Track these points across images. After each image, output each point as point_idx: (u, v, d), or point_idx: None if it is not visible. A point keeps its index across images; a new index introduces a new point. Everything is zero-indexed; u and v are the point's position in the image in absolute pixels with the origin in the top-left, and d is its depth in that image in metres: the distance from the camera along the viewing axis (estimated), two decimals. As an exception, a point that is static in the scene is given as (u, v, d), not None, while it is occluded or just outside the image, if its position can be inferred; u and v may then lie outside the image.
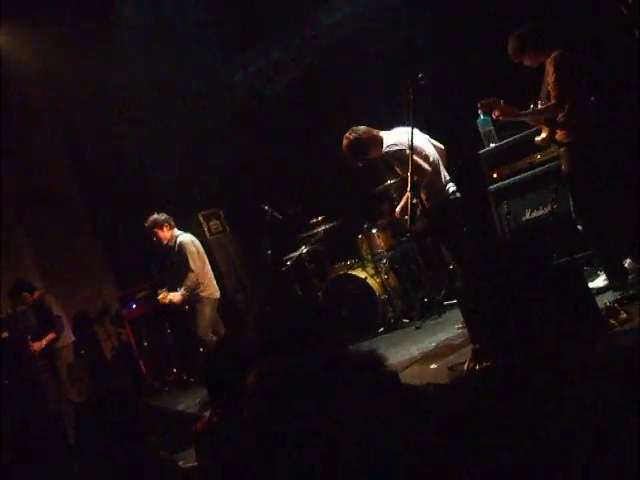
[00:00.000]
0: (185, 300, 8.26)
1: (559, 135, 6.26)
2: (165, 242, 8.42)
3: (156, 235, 8.41)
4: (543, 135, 6.41)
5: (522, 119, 6.44)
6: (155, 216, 8.42)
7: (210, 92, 11.17)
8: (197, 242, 8.56)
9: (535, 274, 2.14)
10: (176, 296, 8.20)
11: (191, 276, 8.21)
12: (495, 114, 6.26)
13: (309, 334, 2.83)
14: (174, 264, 8.39)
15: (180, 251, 8.29)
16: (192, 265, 8.23)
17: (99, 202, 11.80)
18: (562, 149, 6.33)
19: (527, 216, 7.55)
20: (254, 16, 10.33)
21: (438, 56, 8.62)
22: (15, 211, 11.33)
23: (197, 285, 8.26)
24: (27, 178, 11.38)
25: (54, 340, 9.00)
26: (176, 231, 8.46)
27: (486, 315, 2.11)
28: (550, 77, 6.12)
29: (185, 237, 8.45)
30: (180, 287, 8.21)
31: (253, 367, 2.60)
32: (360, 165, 6.98)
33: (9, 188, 11.07)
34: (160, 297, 8.25)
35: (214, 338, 8.20)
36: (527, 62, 6.38)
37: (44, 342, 8.91)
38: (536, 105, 6.34)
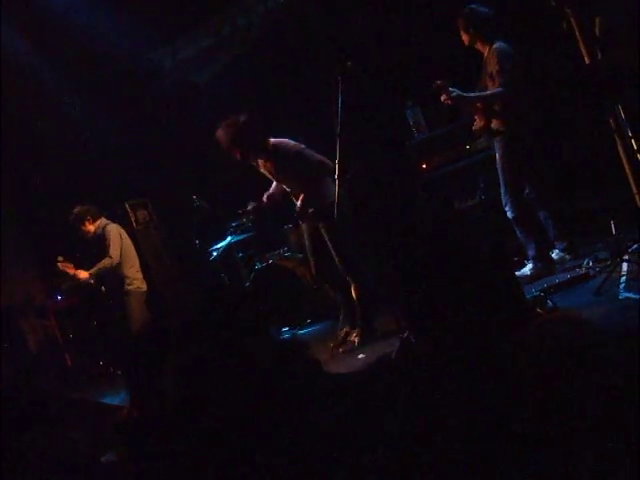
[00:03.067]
0: (96, 283, 8.24)
1: (494, 123, 6.39)
2: (90, 235, 8.28)
3: (80, 229, 8.28)
4: (479, 123, 6.51)
5: (467, 102, 6.48)
6: (77, 209, 8.27)
7: (138, 78, 10.97)
8: (124, 234, 8.41)
9: (464, 261, 2.11)
10: (82, 273, 8.09)
11: (106, 260, 8.09)
12: (443, 97, 6.28)
13: (230, 322, 2.76)
14: (99, 252, 8.25)
15: (104, 236, 8.16)
16: (111, 251, 8.10)
17: (27, 192, 11.52)
18: (496, 138, 6.47)
19: (456, 206, 7.59)
20: (185, 2, 10.18)
21: (368, 44, 8.61)
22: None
23: (108, 270, 8.14)
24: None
25: None
26: (103, 221, 8.30)
27: (413, 300, 2.09)
28: (493, 67, 6.30)
29: (113, 226, 8.32)
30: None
31: (171, 358, 2.55)
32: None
33: None
34: (64, 267, 8.13)
35: None
36: (464, 39, 6.57)
37: None
38: None
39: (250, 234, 9.24)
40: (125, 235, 8.42)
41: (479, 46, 6.53)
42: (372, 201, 8.31)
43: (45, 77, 10.38)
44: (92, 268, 8.08)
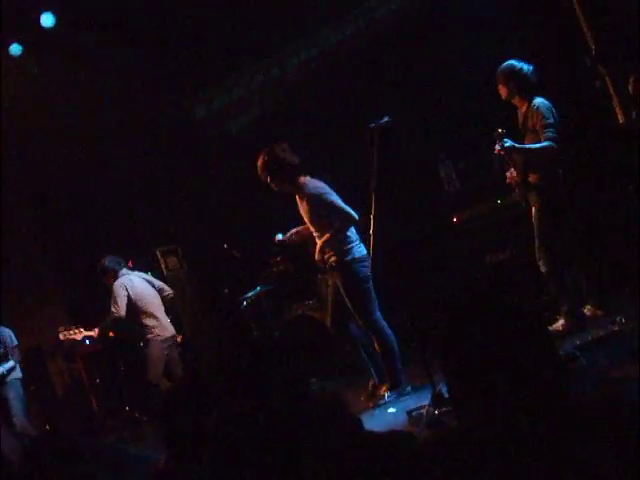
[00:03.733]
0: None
1: (532, 177, 6.41)
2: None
3: (106, 281, 8.47)
4: (514, 176, 6.55)
5: (518, 154, 6.49)
6: (103, 261, 8.48)
7: (172, 126, 11.11)
8: (137, 283, 8.48)
9: (500, 323, 2.11)
10: (91, 332, 8.40)
11: (109, 317, 8.32)
12: (497, 146, 6.31)
13: (267, 377, 2.78)
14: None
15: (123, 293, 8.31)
16: (112, 306, 8.24)
17: (59, 238, 11.63)
18: (532, 192, 6.49)
19: (487, 260, 7.57)
20: (219, 53, 10.33)
21: (401, 99, 8.68)
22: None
23: (113, 325, 8.40)
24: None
25: (12, 369, 8.78)
26: (120, 273, 8.43)
27: (450, 365, 2.08)
28: (537, 122, 6.34)
29: (120, 280, 8.42)
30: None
31: (213, 412, 2.55)
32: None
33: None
34: (63, 334, 8.27)
35: (166, 382, 8.11)
36: (502, 93, 6.59)
37: (5, 369, 8.69)
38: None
39: (280, 284, 9.24)
40: (140, 284, 8.49)
41: (516, 101, 6.57)
42: (402, 255, 8.30)
43: (78, 124, 10.47)
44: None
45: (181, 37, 10.37)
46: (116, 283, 8.33)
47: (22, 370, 9.05)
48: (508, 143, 6.24)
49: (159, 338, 8.33)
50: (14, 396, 8.78)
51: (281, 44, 10.54)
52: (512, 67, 6.49)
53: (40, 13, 9.87)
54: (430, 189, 8.43)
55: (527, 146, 6.42)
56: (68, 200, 11.20)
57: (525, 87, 6.49)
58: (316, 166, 7.08)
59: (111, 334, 8.45)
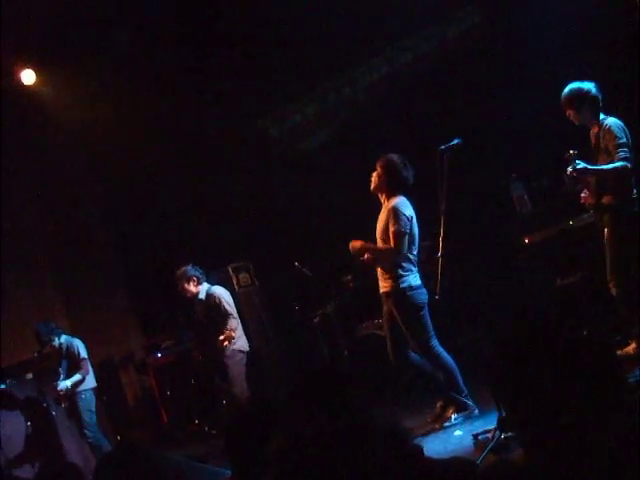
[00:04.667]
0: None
1: (606, 199, 6.33)
2: (188, 295, 8.49)
3: (182, 287, 8.49)
4: (589, 197, 6.49)
5: (591, 175, 6.44)
6: (186, 268, 8.51)
7: (245, 145, 11.24)
8: (229, 296, 8.58)
9: (566, 356, 2.09)
10: (229, 334, 8.17)
11: (233, 321, 8.26)
12: (569, 170, 6.26)
13: (333, 401, 2.80)
14: (206, 318, 8.40)
15: (213, 302, 8.35)
16: (230, 310, 8.31)
17: (131, 250, 11.84)
18: (606, 213, 6.42)
19: (558, 282, 7.48)
20: (292, 72, 10.42)
21: (473, 119, 8.65)
22: (46, 253, 11.42)
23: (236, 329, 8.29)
24: (60, 222, 11.48)
25: (80, 382, 8.94)
26: (205, 285, 8.49)
27: (516, 403, 2.08)
28: (609, 142, 6.28)
29: (218, 288, 8.52)
30: (226, 330, 8.19)
31: (276, 433, 2.57)
32: None
33: (42, 231, 11.23)
34: (222, 338, 8.21)
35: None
36: (573, 118, 6.52)
37: (69, 383, 8.85)
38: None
39: (350, 302, 9.26)
40: (229, 296, 8.61)
41: (587, 122, 6.52)
42: (471, 276, 8.28)
43: (153, 142, 10.64)
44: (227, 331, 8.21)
45: (255, 56, 10.50)
46: (218, 290, 8.46)
47: (96, 380, 9.23)
48: (580, 165, 6.17)
49: (244, 350, 8.40)
50: (83, 407, 8.93)
51: (353, 63, 10.59)
52: (580, 90, 6.41)
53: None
54: (502, 210, 8.37)
55: (600, 167, 6.35)
56: (140, 215, 11.41)
57: (595, 108, 6.43)
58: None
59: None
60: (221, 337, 8.13)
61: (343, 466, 2.22)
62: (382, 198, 6.76)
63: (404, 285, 6.51)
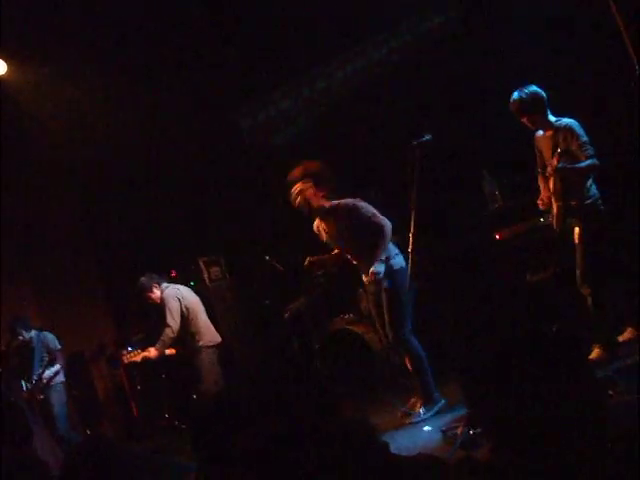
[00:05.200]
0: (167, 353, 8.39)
1: (574, 200, 6.39)
2: (159, 301, 8.44)
3: (148, 298, 8.47)
4: (544, 199, 6.52)
5: (570, 174, 6.40)
6: (142, 280, 8.48)
7: (217, 138, 11.19)
8: (185, 293, 8.55)
9: (538, 352, 2.10)
10: (152, 352, 8.28)
11: (167, 331, 8.26)
12: (549, 169, 6.32)
13: (304, 400, 2.79)
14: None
15: (163, 305, 8.34)
16: (169, 320, 8.26)
17: (104, 245, 11.78)
18: (575, 215, 6.44)
19: (528, 278, 7.51)
20: (266, 64, 10.40)
21: (446, 115, 8.67)
22: (17, 246, 11.32)
23: (172, 340, 8.30)
24: (33, 216, 11.39)
25: (57, 373, 8.90)
26: (164, 285, 8.47)
27: (485, 401, 2.08)
28: (570, 142, 6.25)
29: (169, 291, 8.47)
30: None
31: (242, 431, 2.56)
32: None
33: (16, 224, 11.12)
34: (126, 357, 8.29)
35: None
36: (527, 122, 6.51)
37: (52, 372, 8.81)
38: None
39: (321, 297, 9.27)
40: (185, 293, 8.55)
41: (542, 126, 6.49)
42: (443, 272, 8.29)
43: (124, 134, 10.56)
44: (157, 344, 8.30)
45: (229, 49, 10.47)
46: (167, 294, 8.38)
47: (65, 375, 9.17)
48: (560, 164, 6.20)
49: (211, 344, 8.38)
50: (57, 400, 8.90)
51: (327, 57, 10.58)
52: (536, 94, 6.37)
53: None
54: (473, 206, 8.40)
55: (577, 166, 6.34)
56: (115, 209, 11.34)
57: (547, 110, 6.42)
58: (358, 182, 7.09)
59: (168, 351, 8.44)
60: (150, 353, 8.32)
61: (309, 463, 2.21)
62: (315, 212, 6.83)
63: (396, 267, 6.56)
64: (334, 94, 10.73)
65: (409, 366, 6.63)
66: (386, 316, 6.65)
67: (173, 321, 8.25)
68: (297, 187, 6.66)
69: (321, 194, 6.63)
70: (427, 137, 5.91)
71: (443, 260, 8.38)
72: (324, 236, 6.92)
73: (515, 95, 6.39)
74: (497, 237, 7.91)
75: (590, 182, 6.36)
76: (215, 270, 10.68)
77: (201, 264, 10.45)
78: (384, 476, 2.30)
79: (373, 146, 9.45)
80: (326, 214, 6.69)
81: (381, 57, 10.22)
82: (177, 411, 10.22)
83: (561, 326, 6.31)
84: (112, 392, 11.39)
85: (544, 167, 6.47)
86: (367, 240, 6.54)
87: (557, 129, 6.36)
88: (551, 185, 6.39)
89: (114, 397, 11.35)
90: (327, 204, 6.67)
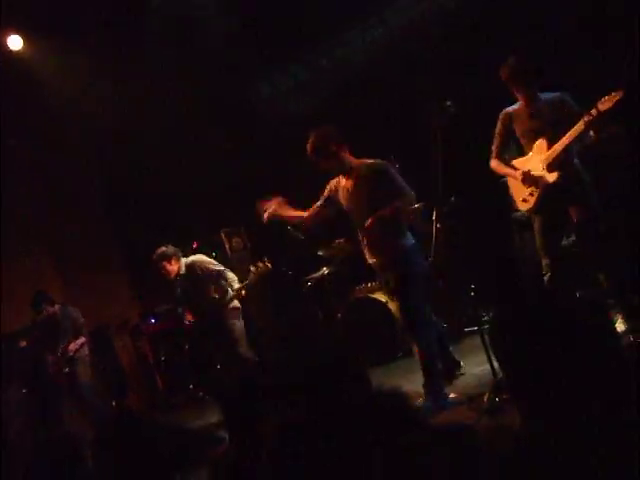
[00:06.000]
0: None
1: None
2: (171, 275, 8.33)
3: (164, 268, 8.30)
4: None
5: None
6: (163, 249, 8.33)
7: (236, 107, 11.16)
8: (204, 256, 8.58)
9: (566, 330, 2.08)
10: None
11: (229, 274, 8.27)
12: None
13: (329, 377, 2.79)
14: (189, 290, 8.36)
15: (198, 268, 8.29)
16: (218, 266, 8.30)
17: (127, 216, 11.80)
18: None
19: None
20: (285, 34, 10.33)
21: (463, 86, 8.57)
22: (41, 220, 11.37)
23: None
24: (56, 189, 11.43)
25: (83, 345, 8.97)
26: (182, 260, 8.40)
27: (517, 372, 2.08)
28: (571, 108, 5.97)
29: (194, 256, 8.51)
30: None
31: (272, 413, 2.57)
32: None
33: (32, 197, 11.17)
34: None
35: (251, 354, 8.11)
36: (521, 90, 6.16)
37: (78, 345, 8.88)
38: None
39: (343, 266, 9.26)
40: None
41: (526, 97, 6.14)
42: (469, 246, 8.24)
43: (141, 105, 10.54)
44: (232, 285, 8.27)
45: (248, 18, 10.42)
46: (195, 258, 8.41)
47: (89, 348, 9.24)
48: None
49: (238, 306, 8.35)
50: (83, 372, 8.97)
51: (346, 26, 10.50)
52: (524, 61, 6.03)
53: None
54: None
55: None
56: (133, 183, 11.36)
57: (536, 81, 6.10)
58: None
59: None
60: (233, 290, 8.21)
61: (340, 434, 2.21)
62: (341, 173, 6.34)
63: (409, 245, 6.19)
64: (353, 63, 10.65)
65: (418, 358, 6.24)
66: (399, 305, 6.41)
67: (221, 266, 8.32)
68: (326, 143, 6.22)
69: (347, 153, 6.25)
70: (449, 103, 5.78)
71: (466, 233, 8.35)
72: (343, 199, 6.40)
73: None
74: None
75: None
76: (237, 241, 10.70)
77: (222, 235, 10.46)
78: (415, 443, 2.29)
79: (392, 115, 9.39)
80: (352, 171, 6.22)
81: (401, 25, 10.11)
82: (201, 382, 10.29)
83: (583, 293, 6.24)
84: (136, 364, 11.47)
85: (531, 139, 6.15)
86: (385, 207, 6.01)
87: (553, 99, 6.09)
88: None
89: (138, 369, 11.43)
90: (355, 161, 6.27)
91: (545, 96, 6.11)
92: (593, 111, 5.66)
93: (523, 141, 6.21)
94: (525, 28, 8.28)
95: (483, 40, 8.70)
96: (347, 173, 6.26)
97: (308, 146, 6.28)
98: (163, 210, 10.92)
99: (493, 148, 6.31)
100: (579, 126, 5.78)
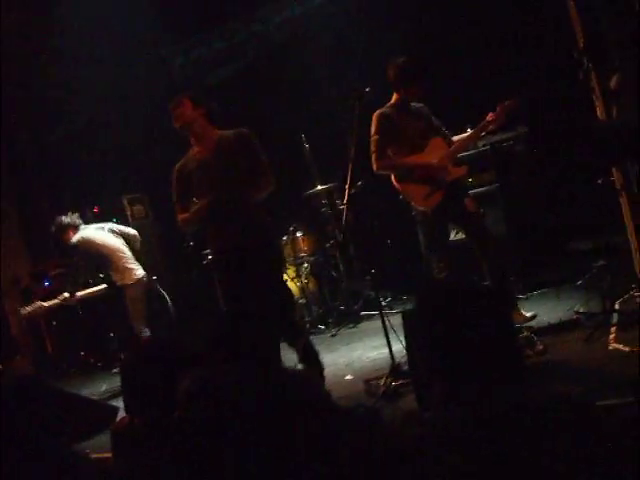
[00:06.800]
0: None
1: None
2: (68, 243, 8.22)
3: (62, 239, 8.22)
4: None
5: None
6: (60, 219, 8.19)
7: (147, 72, 10.98)
8: (97, 234, 8.29)
9: (469, 313, 2.16)
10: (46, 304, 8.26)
11: (119, 256, 8.15)
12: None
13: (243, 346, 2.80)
14: (85, 262, 8.34)
15: (84, 248, 8.16)
16: (104, 249, 8.14)
17: (23, 173, 11.49)
18: None
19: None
20: (202, 3, 10.22)
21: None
22: None
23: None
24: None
25: None
26: (81, 229, 8.23)
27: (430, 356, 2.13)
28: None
29: (86, 232, 8.24)
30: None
31: (187, 374, 2.55)
32: None
33: None
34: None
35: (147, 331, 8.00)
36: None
37: None
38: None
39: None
40: (101, 235, 8.30)
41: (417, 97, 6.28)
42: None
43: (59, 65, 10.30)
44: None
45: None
46: (86, 234, 8.18)
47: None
48: None
49: (132, 279, 8.21)
50: None
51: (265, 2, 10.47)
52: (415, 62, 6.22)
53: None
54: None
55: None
56: (36, 142, 11.09)
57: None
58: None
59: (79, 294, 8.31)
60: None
61: (250, 409, 2.22)
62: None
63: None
64: (270, 38, 10.61)
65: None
66: None
67: (108, 247, 8.16)
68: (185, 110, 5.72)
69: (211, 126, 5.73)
70: (367, 89, 5.81)
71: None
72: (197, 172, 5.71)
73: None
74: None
75: None
76: (138, 208, 10.54)
77: (125, 202, 10.30)
78: (324, 425, 2.31)
79: (309, 94, 9.40)
80: (213, 143, 5.69)
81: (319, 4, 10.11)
82: (92, 349, 10.14)
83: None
84: (26, 327, 11.19)
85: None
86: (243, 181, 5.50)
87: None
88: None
89: (28, 332, 11.16)
90: (218, 132, 5.76)
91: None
92: (489, 117, 6.06)
93: (404, 142, 6.14)
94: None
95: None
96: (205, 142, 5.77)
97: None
98: (65, 171, 10.67)
99: (374, 149, 6.12)
100: (482, 126, 6.15)
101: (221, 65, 11.01)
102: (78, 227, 8.20)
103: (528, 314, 6.12)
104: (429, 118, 6.26)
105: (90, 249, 8.14)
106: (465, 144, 6.35)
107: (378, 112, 6.16)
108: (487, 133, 6.78)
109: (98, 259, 8.19)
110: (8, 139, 11.42)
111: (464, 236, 6.66)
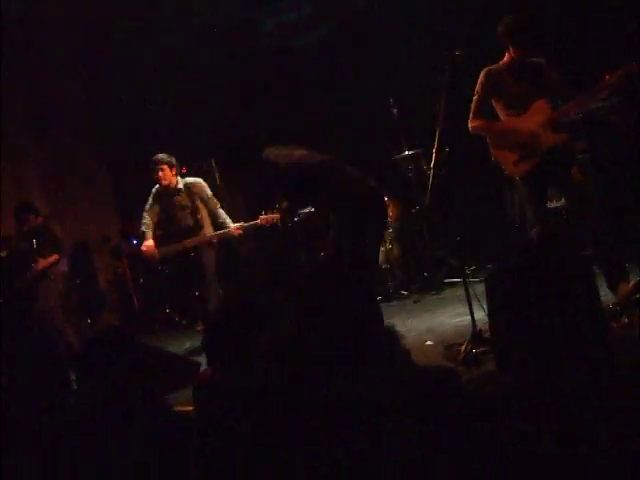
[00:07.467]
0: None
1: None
2: (165, 182, 8.22)
3: (163, 172, 8.17)
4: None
5: None
6: (168, 155, 8.24)
7: (235, 37, 11.02)
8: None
9: (555, 287, 2.12)
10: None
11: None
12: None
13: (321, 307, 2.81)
14: (184, 208, 8.30)
15: (197, 189, 8.33)
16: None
17: (114, 134, 11.68)
18: None
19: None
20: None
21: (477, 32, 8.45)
22: (26, 131, 11.24)
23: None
24: (42, 101, 11.29)
25: (56, 262, 8.83)
26: (180, 178, 8.33)
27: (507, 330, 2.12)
28: (555, 76, 5.86)
29: (195, 179, 8.40)
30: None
31: (267, 330, 2.57)
32: None
33: (17, 109, 11.02)
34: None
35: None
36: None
37: (49, 261, 8.74)
38: None
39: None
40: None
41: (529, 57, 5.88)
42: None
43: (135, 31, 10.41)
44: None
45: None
46: (197, 179, 8.40)
47: (67, 264, 9.13)
48: None
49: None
50: (54, 290, 8.82)
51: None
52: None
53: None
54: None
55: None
56: (120, 103, 11.24)
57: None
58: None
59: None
60: (235, 225, 8.18)
61: (334, 364, 2.22)
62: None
63: None
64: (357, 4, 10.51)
65: None
66: None
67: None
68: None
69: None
70: (458, 52, 5.68)
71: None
72: None
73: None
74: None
75: None
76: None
77: (213, 163, 10.38)
78: (407, 383, 2.32)
79: (397, 58, 9.31)
80: None
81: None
82: (177, 306, 10.30)
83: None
84: (114, 283, 11.44)
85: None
86: None
87: (544, 63, 5.89)
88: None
89: (116, 288, 11.41)
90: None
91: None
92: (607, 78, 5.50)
93: (505, 103, 5.93)
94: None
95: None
96: None
97: None
98: (153, 134, 10.79)
99: (472, 108, 5.93)
100: (592, 91, 5.67)
101: (310, 30, 10.96)
102: (179, 173, 8.34)
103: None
104: (541, 77, 5.84)
105: (197, 192, 8.31)
106: (573, 108, 5.87)
107: (486, 69, 5.88)
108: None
109: (210, 203, 8.38)
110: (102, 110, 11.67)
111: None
